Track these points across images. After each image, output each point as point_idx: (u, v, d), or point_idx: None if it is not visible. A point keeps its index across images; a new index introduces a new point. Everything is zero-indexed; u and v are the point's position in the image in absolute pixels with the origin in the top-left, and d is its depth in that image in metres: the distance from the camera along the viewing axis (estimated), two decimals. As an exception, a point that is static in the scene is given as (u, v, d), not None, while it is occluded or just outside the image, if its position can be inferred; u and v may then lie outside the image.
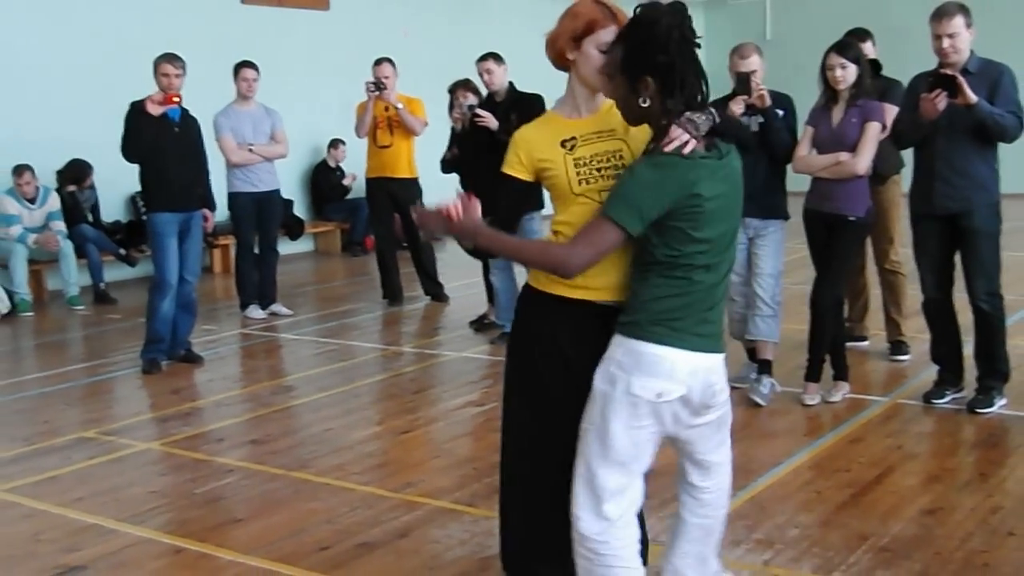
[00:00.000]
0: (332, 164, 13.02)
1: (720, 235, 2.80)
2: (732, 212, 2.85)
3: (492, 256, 2.84)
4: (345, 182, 12.98)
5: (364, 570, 3.80)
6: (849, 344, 6.19)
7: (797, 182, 5.62)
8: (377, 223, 9.28)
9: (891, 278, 6.57)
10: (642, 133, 2.91)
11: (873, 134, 5.30)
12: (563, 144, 2.98)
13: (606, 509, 2.86)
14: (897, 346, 6.58)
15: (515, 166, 3.07)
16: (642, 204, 2.70)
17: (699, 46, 2.77)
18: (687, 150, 2.70)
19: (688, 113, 2.73)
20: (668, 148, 2.71)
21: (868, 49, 6.17)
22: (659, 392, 2.76)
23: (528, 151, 3.04)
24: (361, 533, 4.14)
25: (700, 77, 2.79)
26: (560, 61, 3.05)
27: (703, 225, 2.74)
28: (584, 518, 2.89)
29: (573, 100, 3.06)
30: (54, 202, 9.73)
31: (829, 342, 5.61)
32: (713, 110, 2.77)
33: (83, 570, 3.88)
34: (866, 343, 6.84)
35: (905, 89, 5.60)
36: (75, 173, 10.13)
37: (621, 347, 2.82)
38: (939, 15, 5.21)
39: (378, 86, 8.67)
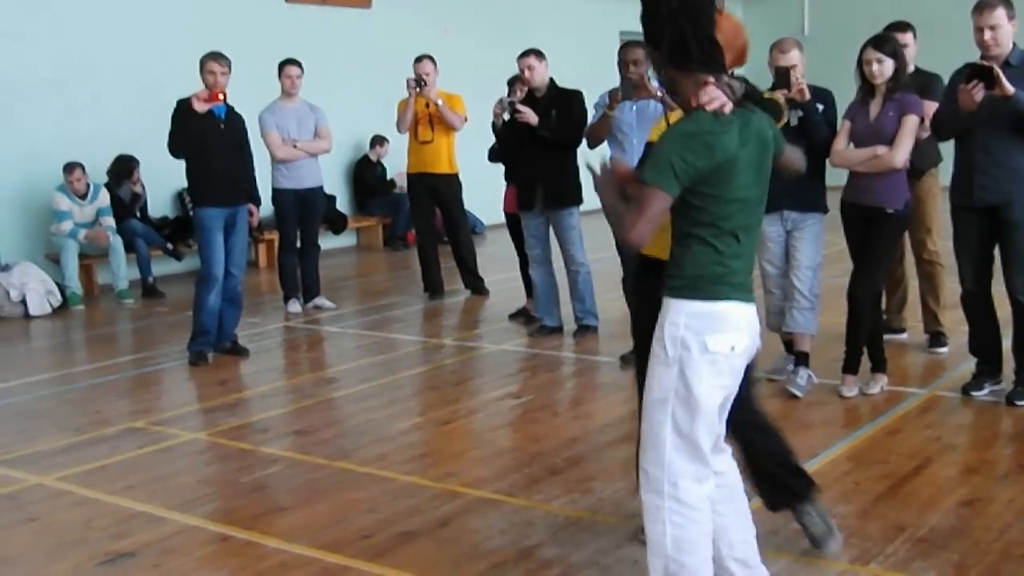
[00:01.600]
0: (373, 159, 13.13)
1: (754, 195, 2.97)
2: (762, 170, 3.00)
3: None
4: (396, 190, 13.04)
5: (405, 558, 3.87)
6: (887, 336, 6.18)
7: (835, 176, 5.62)
8: (418, 218, 9.36)
9: (929, 269, 6.56)
10: None
11: (910, 127, 5.30)
12: None
13: (709, 468, 3.04)
14: (935, 337, 6.57)
15: None
16: (675, 163, 2.84)
17: (712, 12, 2.90)
18: (727, 109, 2.86)
19: (725, 78, 2.90)
20: (709, 106, 2.85)
21: (908, 41, 6.15)
22: (732, 345, 2.94)
23: None
24: (403, 522, 4.21)
25: (716, 43, 2.90)
26: None
27: (736, 182, 2.89)
28: (687, 488, 3.00)
29: None
30: (104, 198, 9.91)
31: (867, 334, 5.62)
32: (746, 78, 2.97)
33: (132, 556, 3.98)
34: (904, 335, 6.83)
35: (947, 82, 5.59)
36: (121, 168, 10.30)
37: (683, 311, 2.95)
38: (980, 7, 5.19)
39: (419, 83, 8.74)
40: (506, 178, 8.11)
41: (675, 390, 2.95)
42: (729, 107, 2.87)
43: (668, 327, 2.96)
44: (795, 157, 3.38)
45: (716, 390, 2.96)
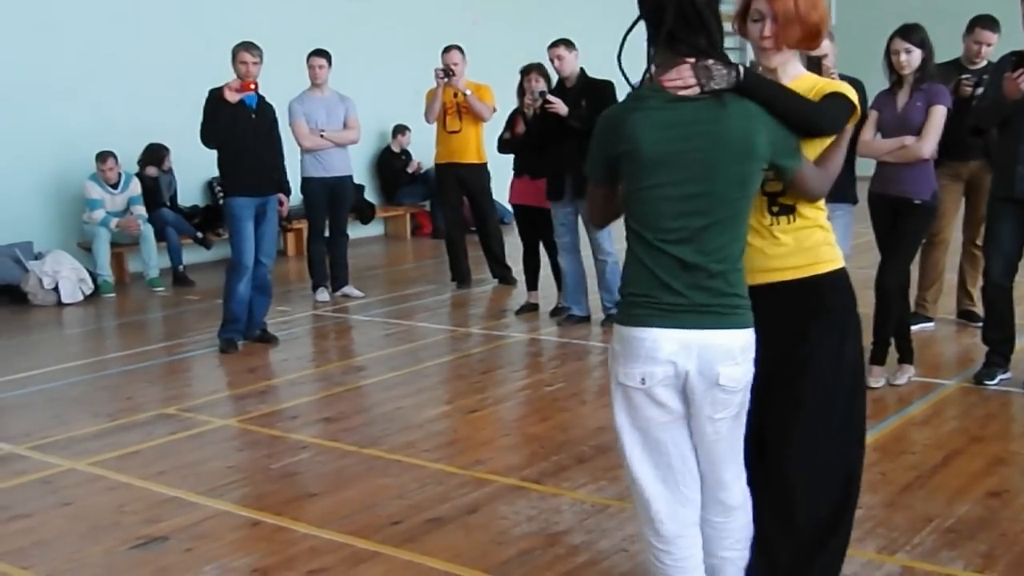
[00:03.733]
0: (396, 150, 13.15)
1: (691, 195, 2.60)
2: (710, 171, 2.60)
3: None
4: (409, 169, 13.09)
5: (434, 544, 3.91)
6: (916, 327, 6.17)
7: (865, 167, 5.59)
8: (446, 208, 9.40)
9: (978, 254, 6.52)
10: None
11: (938, 117, 5.28)
12: None
13: (673, 506, 2.83)
14: (967, 315, 6.67)
15: None
16: (592, 148, 2.76)
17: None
18: (684, 92, 2.58)
19: (710, 61, 2.60)
20: (667, 84, 2.60)
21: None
22: (643, 377, 2.64)
23: None
24: (431, 508, 4.25)
25: (701, 28, 2.63)
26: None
27: (652, 179, 2.61)
28: (657, 523, 2.84)
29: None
30: (135, 187, 10.00)
31: (894, 325, 5.61)
32: (742, 68, 2.62)
33: (164, 540, 4.04)
34: (932, 324, 6.79)
35: (992, 70, 5.59)
36: (152, 156, 10.39)
37: (614, 335, 2.75)
38: None
39: (447, 73, 8.77)
40: (515, 169, 8.08)
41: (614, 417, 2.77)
42: (687, 92, 2.58)
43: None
44: (812, 179, 2.81)
45: (633, 429, 2.71)
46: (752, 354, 2.70)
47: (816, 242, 2.90)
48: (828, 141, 2.84)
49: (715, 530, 2.85)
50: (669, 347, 2.61)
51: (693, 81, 2.58)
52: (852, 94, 2.82)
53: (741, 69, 2.61)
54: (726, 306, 2.64)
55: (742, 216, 2.67)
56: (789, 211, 2.87)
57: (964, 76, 6.17)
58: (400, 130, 12.97)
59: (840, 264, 2.94)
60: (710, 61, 2.61)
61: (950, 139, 5.56)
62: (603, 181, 2.80)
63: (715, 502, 2.82)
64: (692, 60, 2.61)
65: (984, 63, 6.44)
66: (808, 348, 2.86)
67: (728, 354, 2.63)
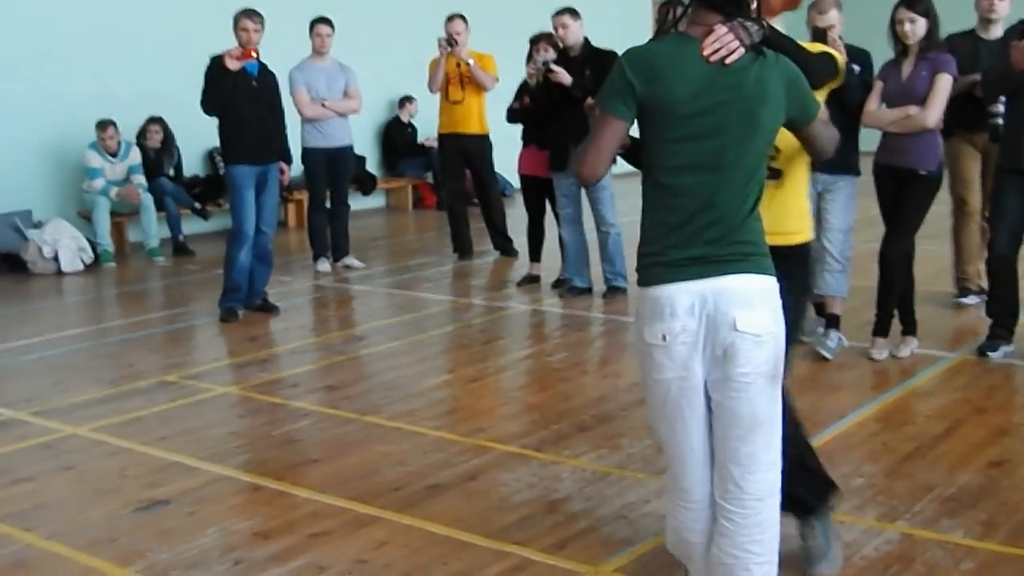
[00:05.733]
0: (405, 120, 13.11)
1: (709, 147, 2.60)
2: (736, 122, 2.60)
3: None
4: (425, 143, 13.02)
5: (435, 510, 3.92)
6: (968, 300, 6.49)
7: (869, 140, 5.57)
8: (448, 178, 9.37)
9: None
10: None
11: (943, 87, 5.24)
12: None
13: (686, 470, 2.84)
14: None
15: None
16: (617, 78, 2.64)
17: None
18: (731, 59, 2.56)
19: (741, 19, 2.60)
20: (710, 53, 2.56)
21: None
22: (663, 334, 2.63)
23: None
24: (432, 475, 4.26)
25: None
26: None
27: (668, 123, 2.60)
28: (673, 481, 2.91)
29: None
30: (135, 156, 9.96)
31: (898, 297, 5.60)
32: (765, 22, 2.66)
33: (166, 504, 4.05)
34: (978, 299, 6.63)
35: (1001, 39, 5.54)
36: (150, 128, 10.35)
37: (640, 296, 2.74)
38: None
39: (450, 42, 8.72)
40: (523, 139, 8.05)
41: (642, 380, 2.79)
42: (736, 56, 2.57)
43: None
44: (824, 135, 2.87)
45: (659, 384, 2.69)
46: (776, 301, 2.66)
47: (797, 211, 3.05)
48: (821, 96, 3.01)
49: (731, 523, 2.71)
50: (686, 300, 2.60)
51: (736, 44, 2.57)
52: (839, 58, 3.04)
53: (765, 22, 2.65)
54: (739, 253, 2.61)
55: (761, 167, 2.67)
56: (776, 175, 2.89)
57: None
58: (407, 100, 12.90)
59: (810, 238, 3.16)
60: (741, 19, 2.59)
61: (966, 108, 5.53)
62: (625, 114, 2.64)
63: (734, 489, 2.69)
64: (721, 19, 2.60)
65: (999, 28, 6.27)
66: None
67: (743, 298, 2.59)
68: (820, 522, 3.31)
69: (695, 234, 2.61)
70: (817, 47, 3.10)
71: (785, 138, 2.87)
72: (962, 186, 6.44)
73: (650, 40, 2.72)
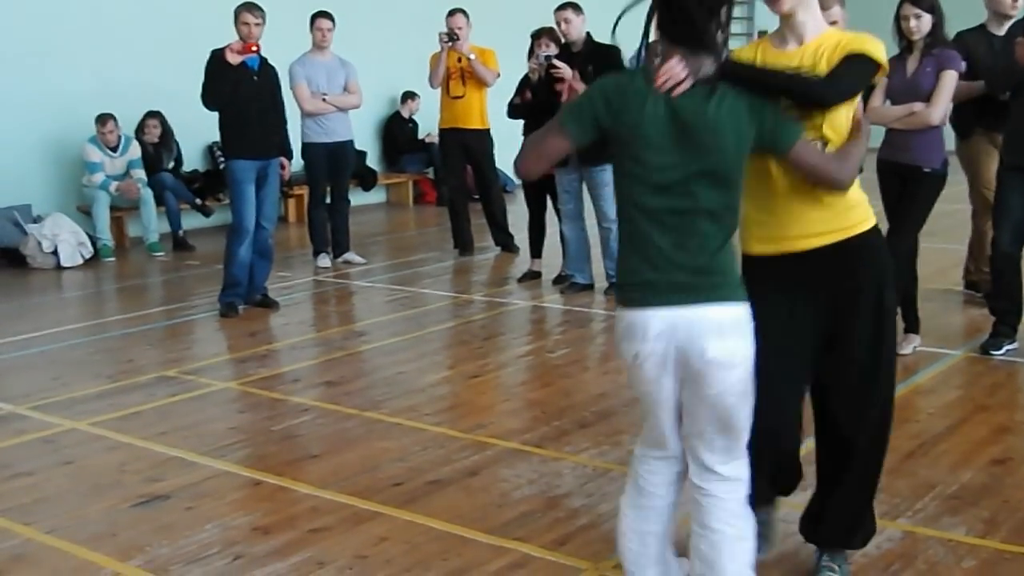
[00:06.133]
0: (405, 115, 13.08)
1: (671, 178, 2.65)
2: (687, 152, 2.63)
3: None
4: (426, 139, 12.99)
5: (435, 505, 3.90)
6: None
7: (872, 138, 5.52)
8: (449, 174, 9.35)
9: None
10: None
11: (948, 83, 5.22)
12: None
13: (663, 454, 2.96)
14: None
15: None
16: (587, 102, 2.73)
17: None
18: (677, 91, 2.61)
19: (700, 52, 2.62)
20: (659, 84, 2.62)
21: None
22: (635, 353, 2.72)
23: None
24: (432, 471, 4.24)
25: (684, 20, 2.61)
26: None
27: (642, 156, 2.66)
28: (641, 467, 3.00)
29: (780, 31, 2.98)
30: (135, 151, 9.94)
31: (901, 294, 5.57)
32: (726, 55, 2.67)
33: (166, 499, 4.04)
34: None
35: (1006, 35, 5.52)
36: (147, 123, 10.33)
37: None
38: None
39: (451, 37, 8.70)
40: (524, 134, 8.01)
41: None
42: (683, 88, 2.60)
43: None
44: (817, 162, 2.80)
45: (635, 387, 2.84)
46: (746, 328, 2.71)
47: (846, 203, 2.97)
48: (848, 110, 2.88)
49: (709, 499, 2.81)
50: (657, 326, 2.68)
51: (684, 75, 2.60)
52: (877, 51, 2.82)
53: (725, 55, 2.66)
54: (711, 284, 2.68)
55: (728, 199, 2.69)
56: None
57: None
58: (409, 96, 12.85)
59: (869, 225, 3.05)
60: (701, 51, 2.61)
61: (987, 107, 5.51)
62: (577, 136, 2.74)
63: (708, 471, 2.81)
64: (682, 51, 2.62)
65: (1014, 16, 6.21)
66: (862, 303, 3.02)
67: (714, 328, 2.66)
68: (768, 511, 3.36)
69: (668, 262, 2.67)
70: (857, 42, 2.83)
71: (834, 126, 2.87)
72: (985, 187, 6.36)
73: (626, 72, 2.82)
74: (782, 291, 2.96)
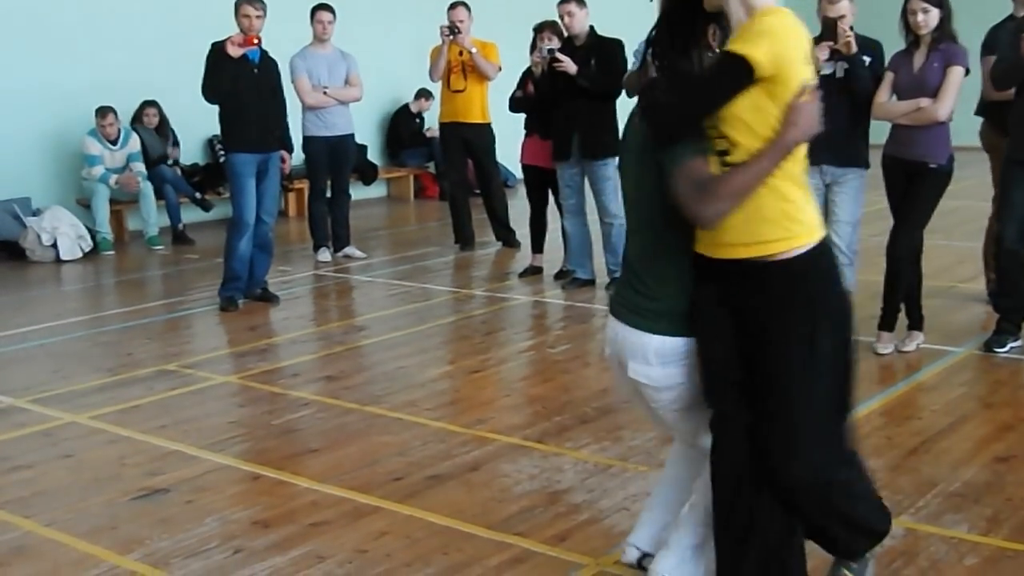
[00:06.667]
0: (414, 111, 12.98)
1: (629, 194, 2.91)
2: (637, 172, 2.77)
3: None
4: (427, 132, 12.94)
5: (435, 500, 3.89)
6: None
7: (878, 133, 5.51)
8: (450, 168, 9.33)
9: None
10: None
11: (955, 79, 5.18)
12: None
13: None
14: None
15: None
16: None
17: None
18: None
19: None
20: None
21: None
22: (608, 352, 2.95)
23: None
24: (433, 466, 4.23)
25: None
26: None
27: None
28: None
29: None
30: (134, 144, 9.90)
31: (904, 291, 5.56)
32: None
33: (166, 492, 4.02)
34: None
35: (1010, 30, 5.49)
36: (144, 112, 10.30)
37: None
38: None
39: (452, 30, 8.67)
40: (526, 128, 7.99)
41: None
42: None
43: None
44: (675, 190, 2.55)
45: None
46: (675, 359, 2.72)
47: (774, 214, 2.53)
48: (761, 99, 2.47)
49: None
50: (608, 333, 2.89)
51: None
52: (757, 53, 2.39)
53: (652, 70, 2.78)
54: (645, 309, 2.75)
55: (654, 214, 2.72)
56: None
57: None
58: (424, 94, 12.56)
59: (799, 244, 2.56)
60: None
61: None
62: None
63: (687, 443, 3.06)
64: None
65: None
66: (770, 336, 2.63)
67: (638, 353, 2.75)
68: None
69: (628, 271, 2.87)
70: (741, 40, 2.47)
71: (734, 124, 2.52)
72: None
73: None
74: (716, 294, 2.70)
